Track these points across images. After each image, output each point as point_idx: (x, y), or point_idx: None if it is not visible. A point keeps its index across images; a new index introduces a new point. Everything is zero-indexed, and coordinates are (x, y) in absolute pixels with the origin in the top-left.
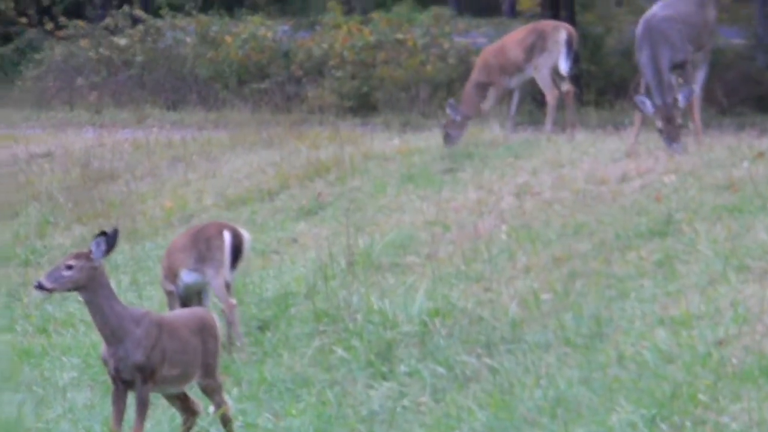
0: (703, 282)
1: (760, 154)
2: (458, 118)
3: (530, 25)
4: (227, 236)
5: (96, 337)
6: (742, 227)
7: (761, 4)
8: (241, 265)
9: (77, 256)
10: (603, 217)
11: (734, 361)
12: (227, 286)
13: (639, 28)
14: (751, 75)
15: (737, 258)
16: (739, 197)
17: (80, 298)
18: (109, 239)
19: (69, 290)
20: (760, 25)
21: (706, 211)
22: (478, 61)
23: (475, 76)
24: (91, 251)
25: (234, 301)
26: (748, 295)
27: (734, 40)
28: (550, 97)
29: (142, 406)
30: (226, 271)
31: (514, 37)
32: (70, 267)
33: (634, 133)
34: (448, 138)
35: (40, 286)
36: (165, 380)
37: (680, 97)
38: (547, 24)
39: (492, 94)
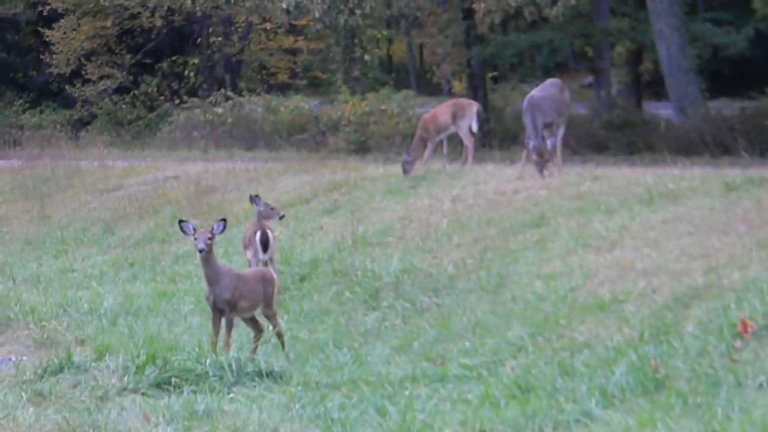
0: (563, 253)
1: (596, 178)
2: (410, 159)
3: (453, 101)
4: (257, 235)
5: (202, 285)
6: (586, 221)
7: (597, 90)
8: (271, 248)
9: (209, 231)
10: (503, 214)
11: (581, 300)
12: (261, 260)
13: (524, 103)
14: (591, 131)
15: (583, 239)
16: (584, 203)
17: (196, 262)
18: (223, 224)
19: (209, 249)
20: (597, 101)
21: (565, 212)
22: (420, 124)
23: (418, 133)
24: (213, 229)
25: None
26: (589, 261)
27: (581, 110)
28: (469, 144)
29: (229, 325)
30: (259, 253)
31: (443, 109)
32: (211, 237)
33: (522, 165)
34: (404, 170)
35: (202, 250)
36: (241, 309)
37: (549, 143)
38: (465, 101)
39: (429, 145)
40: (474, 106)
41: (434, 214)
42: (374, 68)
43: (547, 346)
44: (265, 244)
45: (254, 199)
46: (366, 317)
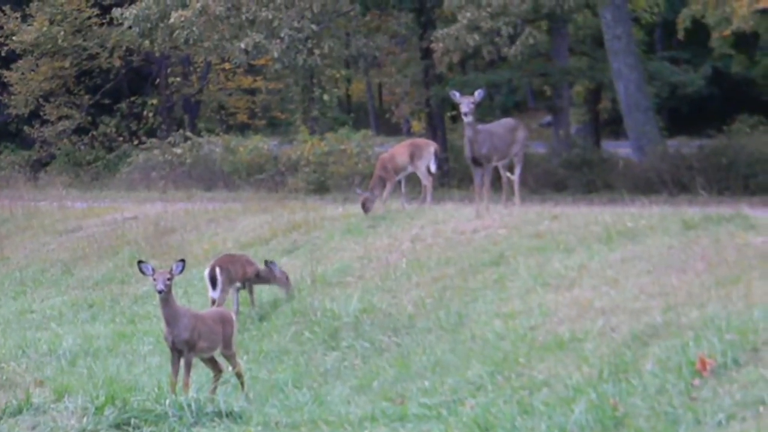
0: (522, 292)
1: (555, 217)
2: (365, 194)
3: (410, 141)
4: (206, 272)
5: (161, 326)
6: (545, 260)
7: (555, 129)
8: (219, 285)
9: (169, 272)
10: (462, 253)
11: (540, 338)
12: (213, 299)
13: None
14: (549, 170)
15: (542, 278)
16: (543, 242)
17: (155, 302)
18: (182, 264)
19: (168, 290)
20: (555, 140)
21: (524, 251)
22: (378, 164)
23: (377, 173)
24: (172, 269)
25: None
26: (548, 300)
27: (540, 149)
28: (427, 184)
29: (188, 365)
30: (209, 290)
31: (401, 149)
32: (170, 278)
33: (477, 204)
34: (364, 209)
35: (161, 291)
36: (200, 350)
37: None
38: (423, 141)
39: (388, 185)
40: (431, 147)
41: (393, 254)
42: (333, 108)
43: (506, 385)
44: (213, 281)
45: (269, 264)
46: (325, 357)
